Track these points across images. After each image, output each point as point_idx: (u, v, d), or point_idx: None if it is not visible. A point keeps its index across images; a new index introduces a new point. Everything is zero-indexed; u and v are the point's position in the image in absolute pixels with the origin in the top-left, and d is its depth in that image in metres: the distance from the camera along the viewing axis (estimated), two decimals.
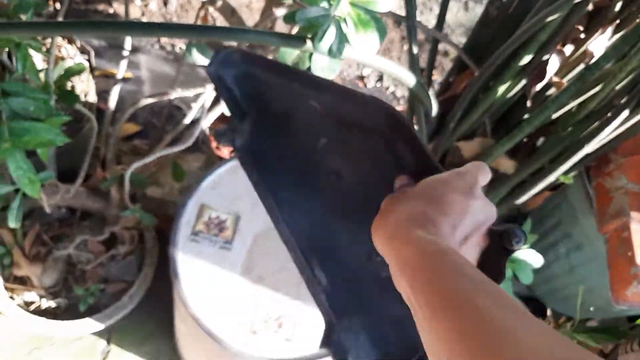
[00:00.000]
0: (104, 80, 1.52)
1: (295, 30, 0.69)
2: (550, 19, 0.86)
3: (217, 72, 0.52)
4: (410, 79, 0.80)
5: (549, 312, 1.20)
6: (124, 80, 1.29)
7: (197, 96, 1.08)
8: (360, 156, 0.53)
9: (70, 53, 1.27)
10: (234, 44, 1.12)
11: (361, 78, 1.96)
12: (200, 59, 0.83)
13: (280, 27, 1.36)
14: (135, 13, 1.80)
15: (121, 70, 1.19)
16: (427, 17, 2.09)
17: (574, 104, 0.99)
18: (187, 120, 1.18)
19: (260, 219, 1.01)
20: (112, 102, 1.20)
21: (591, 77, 0.89)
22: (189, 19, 1.85)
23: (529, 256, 0.95)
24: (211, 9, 1.26)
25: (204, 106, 1.08)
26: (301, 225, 0.54)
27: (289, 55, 0.63)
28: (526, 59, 0.95)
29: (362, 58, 0.66)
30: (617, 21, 0.90)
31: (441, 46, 2.02)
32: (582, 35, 0.94)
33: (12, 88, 0.77)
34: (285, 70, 0.53)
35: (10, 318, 1.15)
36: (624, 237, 1.01)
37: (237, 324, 0.92)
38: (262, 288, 0.96)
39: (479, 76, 1.00)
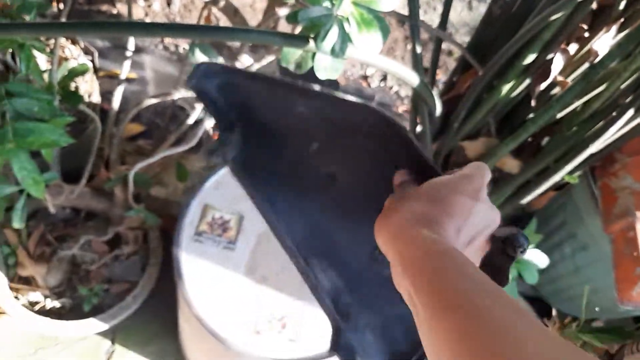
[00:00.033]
0: (108, 81, 1.53)
1: (298, 30, 0.69)
2: (553, 17, 0.85)
3: (199, 84, 0.51)
4: (414, 79, 0.80)
5: (554, 313, 1.19)
6: (128, 80, 1.29)
7: None
8: (354, 157, 0.53)
9: (73, 54, 1.27)
10: (237, 44, 1.12)
11: (365, 78, 1.96)
12: (203, 59, 0.83)
13: (283, 27, 1.36)
14: (138, 13, 1.80)
15: (125, 70, 1.19)
16: (431, 17, 2.08)
17: (578, 103, 0.99)
18: (190, 121, 1.18)
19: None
20: (116, 102, 1.20)
21: (596, 76, 0.89)
22: (192, 19, 1.85)
23: (534, 256, 0.95)
24: (214, 9, 1.26)
25: None
26: (301, 231, 0.54)
27: (292, 55, 0.63)
28: (530, 58, 0.94)
29: (365, 58, 0.66)
30: (622, 19, 0.89)
31: (445, 45, 2.02)
32: (587, 34, 0.93)
33: (16, 89, 0.77)
34: (269, 79, 0.53)
35: (15, 318, 1.15)
36: (629, 237, 1.00)
37: (241, 324, 0.92)
38: (266, 288, 0.96)
39: (482, 75, 1.00)
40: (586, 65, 0.96)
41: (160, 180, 1.34)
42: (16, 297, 1.20)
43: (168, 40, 1.80)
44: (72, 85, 0.95)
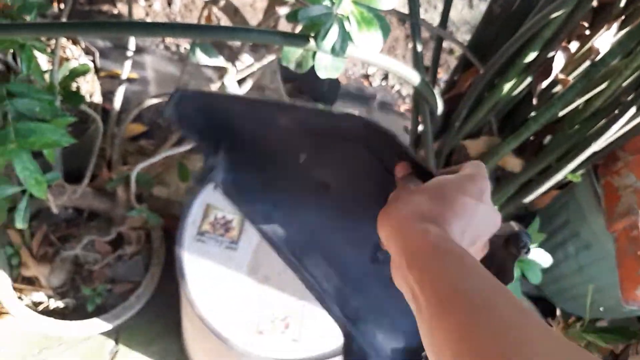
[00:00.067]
0: (109, 81, 1.53)
1: (298, 29, 0.69)
2: (554, 15, 0.85)
3: (177, 111, 0.51)
4: (415, 78, 0.80)
5: (558, 312, 1.19)
6: (129, 80, 1.29)
7: None
8: (344, 163, 0.52)
9: (74, 54, 1.27)
10: (237, 43, 1.12)
11: (366, 77, 1.96)
12: (204, 59, 0.83)
13: (284, 26, 1.36)
14: (139, 13, 1.81)
15: (126, 70, 1.19)
16: (432, 15, 2.08)
17: (580, 101, 0.98)
18: None
19: None
20: (118, 102, 1.20)
21: (597, 74, 0.88)
22: (193, 18, 1.85)
23: (537, 256, 0.94)
24: (215, 9, 1.26)
25: None
26: (300, 243, 0.54)
27: (293, 54, 0.63)
28: (531, 56, 0.94)
29: (365, 56, 0.66)
30: (623, 17, 0.89)
31: (446, 44, 2.01)
32: (588, 32, 0.93)
33: (17, 89, 0.77)
34: (246, 99, 0.53)
35: (19, 318, 1.16)
36: (632, 236, 1.00)
37: (243, 324, 0.92)
38: (268, 288, 0.96)
39: (483, 74, 1.00)
40: (587, 63, 0.96)
41: (162, 180, 1.34)
42: (20, 298, 1.20)
43: (169, 40, 1.80)
44: (74, 86, 0.96)
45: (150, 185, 1.16)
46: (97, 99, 1.28)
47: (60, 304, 1.22)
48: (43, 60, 1.10)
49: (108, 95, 1.35)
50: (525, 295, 1.35)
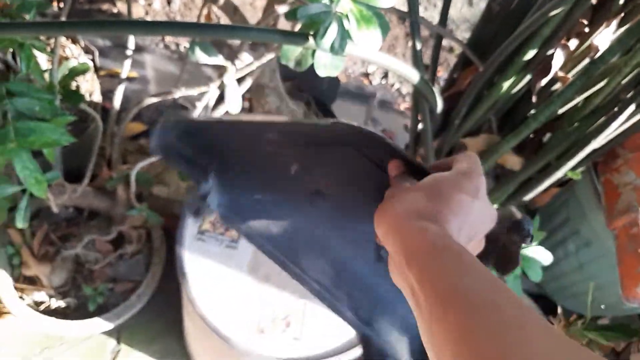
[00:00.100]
0: (109, 80, 1.53)
1: (297, 27, 0.69)
2: (553, 13, 0.85)
3: (162, 141, 0.51)
4: (415, 76, 0.80)
5: (559, 310, 1.19)
6: (129, 79, 1.29)
7: (202, 95, 1.09)
8: (337, 167, 0.52)
9: (74, 53, 1.27)
10: (237, 42, 1.12)
11: (366, 75, 1.96)
12: (203, 58, 0.83)
13: (283, 24, 1.36)
14: (138, 12, 1.81)
15: (125, 69, 1.19)
16: (431, 13, 2.08)
17: (579, 99, 0.98)
18: None
19: None
20: (117, 101, 1.20)
21: (596, 72, 0.88)
22: (192, 17, 1.85)
23: (538, 253, 0.94)
24: (214, 8, 1.26)
25: (208, 105, 1.08)
26: (304, 254, 0.54)
27: (292, 52, 0.63)
28: (530, 54, 0.94)
29: (364, 55, 0.66)
30: (622, 14, 0.89)
31: (446, 42, 2.01)
32: (587, 29, 0.93)
33: (17, 88, 0.77)
34: (228, 120, 0.53)
35: (20, 318, 1.16)
36: (633, 233, 1.00)
37: (244, 323, 0.92)
38: (269, 287, 0.96)
39: (483, 72, 1.00)
40: (587, 60, 0.96)
41: (162, 180, 1.34)
42: (21, 297, 1.20)
43: (169, 39, 1.80)
44: (73, 85, 0.96)
45: (150, 184, 1.16)
46: (97, 98, 1.28)
47: (61, 303, 1.22)
48: (42, 60, 1.10)
49: (108, 94, 1.35)
50: (526, 292, 1.35)
